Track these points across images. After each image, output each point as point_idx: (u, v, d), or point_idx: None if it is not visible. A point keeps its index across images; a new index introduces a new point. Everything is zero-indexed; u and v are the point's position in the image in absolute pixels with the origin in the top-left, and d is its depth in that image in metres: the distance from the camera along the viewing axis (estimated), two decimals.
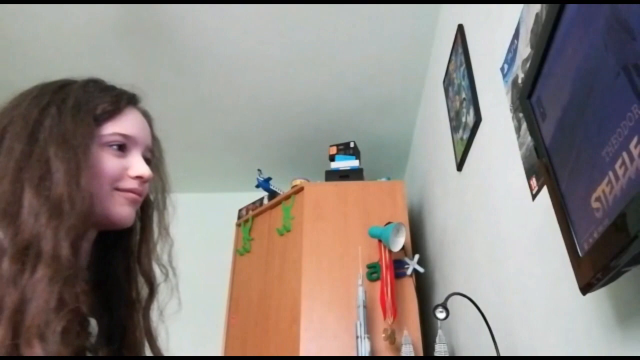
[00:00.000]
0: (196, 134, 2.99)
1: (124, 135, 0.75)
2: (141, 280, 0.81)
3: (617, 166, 0.60)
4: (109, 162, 0.72)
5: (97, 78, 0.83)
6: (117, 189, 0.73)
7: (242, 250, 2.69)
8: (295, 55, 2.41)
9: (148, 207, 0.83)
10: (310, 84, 2.59)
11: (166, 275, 0.83)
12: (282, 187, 2.76)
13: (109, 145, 0.73)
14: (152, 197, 0.84)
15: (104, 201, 0.71)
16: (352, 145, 2.61)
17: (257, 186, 2.80)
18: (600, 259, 0.63)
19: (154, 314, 0.82)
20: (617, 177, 0.60)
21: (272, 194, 2.73)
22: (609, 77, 0.61)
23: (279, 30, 2.26)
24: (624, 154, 0.58)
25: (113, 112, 0.75)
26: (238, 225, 2.85)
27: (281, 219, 2.46)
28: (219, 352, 2.52)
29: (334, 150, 2.62)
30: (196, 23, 2.21)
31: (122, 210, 0.73)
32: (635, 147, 0.55)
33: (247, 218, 2.76)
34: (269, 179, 2.79)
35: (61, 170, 0.65)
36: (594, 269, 0.66)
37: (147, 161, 0.80)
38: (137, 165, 0.75)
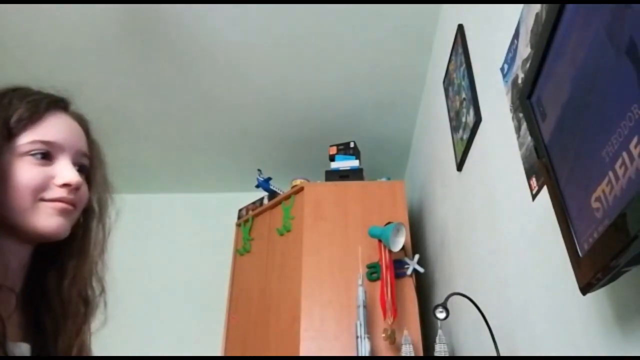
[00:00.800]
0: (196, 134, 2.99)
1: (45, 142, 0.70)
2: (76, 298, 0.75)
3: (617, 166, 0.60)
4: (28, 172, 0.67)
5: (19, 86, 0.75)
6: (43, 200, 0.68)
7: (242, 250, 2.69)
8: (295, 56, 2.41)
9: (88, 216, 0.78)
10: (311, 84, 2.59)
11: (101, 292, 0.78)
12: (282, 187, 2.75)
13: (30, 154, 0.68)
14: (94, 206, 0.78)
15: (27, 214, 0.67)
16: (352, 145, 2.61)
17: (257, 186, 2.80)
18: (600, 259, 0.63)
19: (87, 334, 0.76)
20: (617, 177, 0.60)
21: (272, 194, 2.73)
22: (609, 77, 0.61)
23: (279, 30, 2.26)
24: (624, 154, 0.58)
25: (31, 119, 0.69)
26: (238, 225, 2.85)
27: (281, 219, 2.46)
28: (219, 352, 2.52)
29: (334, 150, 2.62)
30: (196, 23, 2.21)
31: (50, 222, 0.68)
32: (635, 147, 0.55)
33: (247, 218, 2.75)
34: (269, 179, 2.79)
35: None
36: (594, 269, 0.66)
37: (83, 168, 0.75)
38: (63, 173, 0.70)
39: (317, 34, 2.28)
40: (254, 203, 2.85)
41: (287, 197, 2.49)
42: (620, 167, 0.59)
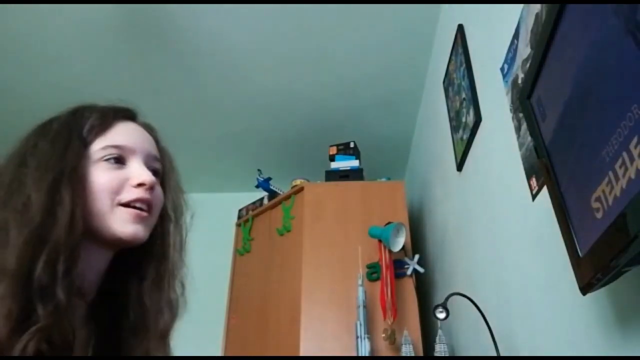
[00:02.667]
0: (196, 134, 2.99)
1: (116, 146, 0.72)
2: (159, 302, 0.75)
3: (617, 166, 0.60)
4: (104, 175, 0.69)
5: (87, 103, 0.78)
6: (122, 204, 0.69)
7: (242, 250, 2.69)
8: (296, 56, 2.41)
9: (165, 221, 0.78)
10: (311, 84, 2.59)
11: (182, 294, 0.79)
12: (282, 187, 2.75)
13: (104, 159, 0.70)
14: (169, 211, 0.79)
15: (106, 218, 0.68)
16: (352, 145, 2.61)
17: (257, 186, 2.80)
18: (600, 259, 0.63)
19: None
20: (617, 177, 0.60)
21: (272, 194, 2.73)
22: (609, 77, 0.61)
23: (279, 30, 2.26)
24: (624, 154, 0.58)
25: (101, 127, 0.72)
26: (238, 225, 2.85)
27: (281, 219, 2.46)
28: (219, 352, 2.52)
29: (334, 150, 2.62)
30: (197, 23, 2.21)
31: (127, 227, 0.69)
32: (636, 147, 0.55)
33: (247, 218, 2.75)
34: (269, 179, 2.79)
35: (40, 197, 0.62)
36: (594, 269, 0.66)
37: (156, 172, 0.76)
38: (137, 173, 0.72)
39: (317, 34, 2.28)
40: (254, 203, 2.85)
41: (287, 197, 2.49)
42: (620, 167, 0.59)
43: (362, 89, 2.61)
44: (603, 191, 0.63)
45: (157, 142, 0.82)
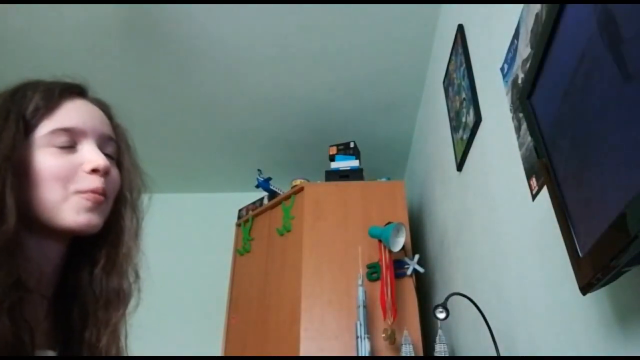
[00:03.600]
0: (196, 134, 2.99)
1: (66, 129, 0.66)
2: (110, 288, 0.71)
3: (617, 166, 0.60)
4: (53, 163, 0.64)
5: (31, 79, 0.72)
6: (76, 192, 0.64)
7: (242, 250, 2.69)
8: (296, 55, 2.41)
9: (120, 204, 0.73)
10: (311, 84, 2.59)
11: (136, 280, 0.74)
12: (282, 187, 2.75)
13: (52, 145, 0.64)
14: (125, 193, 0.74)
15: (58, 208, 0.63)
16: (352, 145, 2.61)
17: (257, 186, 2.80)
18: (600, 259, 0.63)
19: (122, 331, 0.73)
20: (617, 177, 0.60)
21: (272, 194, 2.73)
22: (609, 77, 0.61)
23: (279, 30, 2.26)
24: (624, 154, 0.58)
25: (47, 108, 0.66)
26: (238, 225, 2.85)
27: (281, 219, 2.46)
28: (219, 352, 2.52)
29: (334, 150, 2.62)
30: (197, 23, 2.21)
31: (81, 217, 0.64)
32: (636, 147, 0.55)
33: (247, 218, 2.75)
34: (269, 179, 2.79)
35: None
36: (594, 269, 0.66)
37: (110, 154, 0.71)
38: (89, 157, 0.66)
39: (317, 34, 2.28)
40: (254, 203, 2.85)
41: (287, 197, 2.49)
42: (621, 167, 0.59)
43: (362, 89, 2.61)
44: (603, 191, 0.63)
45: (110, 119, 0.75)
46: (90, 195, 0.65)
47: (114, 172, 0.71)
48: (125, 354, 0.74)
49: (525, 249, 1.20)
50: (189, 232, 3.36)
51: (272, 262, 2.42)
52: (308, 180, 2.56)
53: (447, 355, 1.53)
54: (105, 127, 0.72)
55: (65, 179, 0.64)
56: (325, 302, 2.07)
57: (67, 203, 0.64)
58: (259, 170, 2.83)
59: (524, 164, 1.18)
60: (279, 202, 2.55)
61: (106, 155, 0.70)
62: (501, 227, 1.38)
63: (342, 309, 2.03)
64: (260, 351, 2.23)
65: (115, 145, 0.73)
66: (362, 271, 2.00)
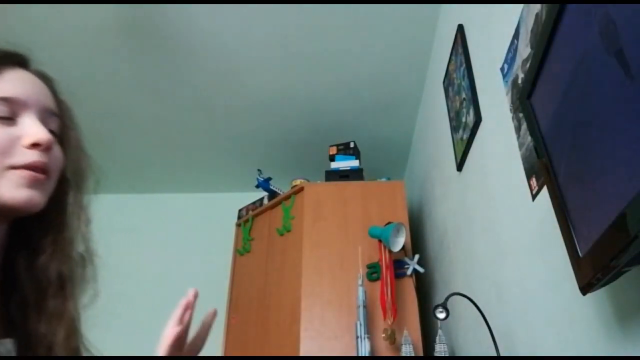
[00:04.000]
0: (196, 134, 2.99)
1: (5, 99, 0.61)
2: (53, 276, 0.65)
3: (617, 166, 0.60)
4: None
5: None
6: (14, 167, 0.60)
7: (242, 250, 2.69)
8: (296, 56, 2.41)
9: (64, 185, 0.68)
10: (311, 84, 2.59)
11: (83, 267, 0.68)
12: (282, 187, 2.75)
13: None
14: (68, 174, 0.69)
15: None
16: (352, 145, 2.61)
17: (257, 186, 2.80)
18: (600, 259, 0.63)
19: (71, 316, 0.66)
20: (617, 177, 0.60)
21: (272, 194, 2.73)
22: (609, 77, 0.61)
23: (279, 30, 2.26)
24: (624, 154, 0.58)
25: None
26: (238, 225, 2.85)
27: (281, 219, 2.46)
28: (219, 352, 2.52)
29: (334, 150, 2.62)
30: (197, 24, 2.21)
31: (19, 193, 0.59)
32: (636, 147, 0.55)
33: (247, 218, 2.75)
34: (269, 179, 2.79)
35: None
36: (594, 269, 0.66)
37: (53, 130, 0.66)
38: (29, 131, 0.61)
39: (317, 34, 2.28)
40: (254, 203, 2.85)
41: (287, 197, 2.49)
42: (621, 167, 0.59)
43: (362, 89, 2.61)
44: (603, 191, 0.63)
45: (54, 94, 0.71)
46: (27, 173, 0.60)
47: (57, 149, 0.66)
48: (89, 353, 0.69)
49: (525, 249, 1.20)
50: (189, 232, 3.36)
51: (272, 262, 2.42)
52: (308, 180, 2.56)
53: (447, 355, 1.53)
54: (48, 101, 0.67)
55: (3, 153, 0.59)
56: (325, 302, 2.07)
57: (3, 178, 0.59)
58: (259, 170, 2.83)
59: (524, 164, 1.18)
60: (279, 202, 2.55)
61: (49, 131, 0.65)
62: (501, 227, 1.38)
63: (342, 309, 2.03)
64: (260, 351, 2.23)
65: (59, 121, 0.68)
66: (362, 271, 2.00)
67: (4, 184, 0.59)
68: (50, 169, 0.63)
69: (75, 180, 0.70)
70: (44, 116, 0.65)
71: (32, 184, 0.60)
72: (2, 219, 0.62)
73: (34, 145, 0.61)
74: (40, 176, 0.61)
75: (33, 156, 0.60)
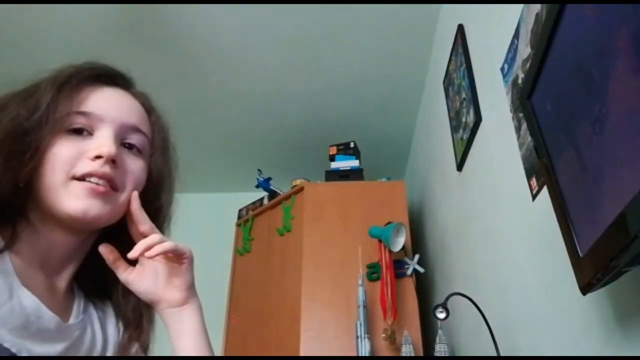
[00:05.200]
0: (196, 134, 2.99)
1: (82, 113, 0.63)
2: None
3: (617, 166, 0.60)
4: (61, 147, 0.61)
5: (77, 63, 0.69)
6: (75, 178, 0.61)
7: (242, 250, 2.69)
8: (296, 55, 2.41)
9: (145, 207, 0.69)
10: (311, 84, 2.59)
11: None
12: (282, 187, 2.75)
13: (66, 128, 0.62)
14: (150, 197, 0.71)
15: (57, 193, 0.61)
16: (352, 145, 2.61)
17: (257, 186, 2.80)
18: (600, 259, 0.63)
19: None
20: (617, 177, 0.60)
21: (272, 194, 2.73)
22: (609, 77, 0.61)
23: (279, 30, 2.26)
24: (625, 154, 0.58)
25: (72, 90, 0.64)
26: (238, 225, 2.85)
27: (281, 219, 2.46)
28: (219, 352, 2.52)
29: (334, 150, 2.62)
30: (197, 24, 2.21)
31: (77, 203, 0.60)
32: (636, 146, 0.55)
33: (247, 218, 2.75)
34: (269, 179, 2.79)
35: None
36: (594, 269, 0.66)
37: (133, 146, 0.68)
38: (97, 143, 0.62)
39: (317, 34, 2.28)
40: (254, 203, 2.85)
41: (287, 197, 2.49)
42: (621, 166, 0.59)
43: (362, 89, 2.61)
44: (603, 191, 0.63)
45: (148, 112, 0.73)
46: (87, 185, 0.61)
47: (132, 164, 0.67)
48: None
49: (526, 249, 1.20)
50: (188, 232, 3.34)
51: (272, 262, 2.42)
52: (308, 180, 2.56)
53: (447, 355, 1.53)
54: (132, 117, 0.68)
55: (68, 164, 0.61)
56: (325, 302, 2.07)
57: (65, 188, 0.61)
58: (259, 170, 2.83)
59: (524, 164, 1.18)
60: (279, 202, 2.55)
61: (128, 144, 0.67)
62: (501, 227, 1.38)
63: (342, 309, 2.03)
64: (261, 351, 2.23)
65: (144, 138, 0.69)
66: (362, 271, 2.00)
67: (65, 195, 0.60)
68: (116, 181, 0.64)
69: (155, 198, 0.71)
70: (123, 131, 0.66)
71: (92, 195, 0.61)
72: (71, 228, 0.64)
73: (97, 158, 0.62)
74: (101, 188, 0.62)
75: (93, 166, 0.62)
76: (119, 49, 2.34)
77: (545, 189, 1.00)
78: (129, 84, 0.74)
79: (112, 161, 0.63)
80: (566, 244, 0.76)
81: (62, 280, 0.67)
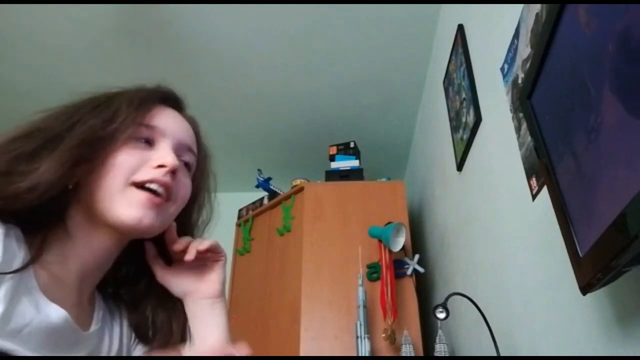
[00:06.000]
0: None
1: (147, 126, 0.67)
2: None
3: (617, 166, 0.60)
4: (126, 154, 0.64)
5: (143, 86, 0.75)
6: (134, 184, 0.63)
7: (242, 250, 2.69)
8: (296, 56, 2.41)
9: (187, 225, 0.74)
10: (311, 84, 2.59)
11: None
12: (282, 187, 2.75)
13: (132, 137, 0.65)
14: (193, 212, 0.75)
15: (114, 198, 0.62)
16: (352, 145, 2.61)
17: (257, 186, 2.80)
18: (600, 259, 0.63)
19: None
20: (617, 177, 0.60)
21: (272, 194, 2.73)
22: (609, 77, 0.61)
23: (279, 30, 2.26)
24: (625, 154, 0.58)
25: (140, 105, 0.68)
26: (238, 225, 2.85)
27: (281, 219, 2.46)
28: None
29: (334, 150, 2.62)
30: (197, 24, 2.21)
31: (130, 211, 0.62)
32: (636, 146, 0.55)
33: (247, 218, 2.75)
34: (269, 179, 2.79)
35: (53, 161, 0.59)
36: (594, 269, 0.66)
37: (186, 165, 0.71)
38: (159, 154, 0.66)
39: (317, 34, 2.28)
40: (254, 203, 2.85)
41: (287, 197, 2.49)
42: (621, 166, 0.59)
43: (362, 88, 2.61)
44: (603, 191, 0.63)
45: (197, 136, 0.77)
46: (145, 194, 0.63)
47: (186, 181, 0.71)
48: None
49: (525, 249, 1.20)
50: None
51: (272, 262, 2.42)
52: (308, 180, 2.56)
53: (447, 355, 1.53)
54: (188, 138, 0.72)
55: (130, 170, 0.63)
56: (325, 302, 2.07)
57: (122, 194, 0.62)
58: (259, 170, 2.83)
59: (524, 164, 1.18)
60: (279, 202, 2.55)
61: (182, 162, 0.70)
62: (501, 227, 1.38)
63: (342, 309, 2.03)
64: (261, 351, 2.23)
65: (194, 158, 0.74)
66: (362, 271, 2.00)
67: (122, 201, 0.62)
68: (173, 193, 0.67)
69: (193, 216, 0.75)
70: (180, 148, 0.70)
71: (147, 205, 0.63)
72: (113, 235, 0.65)
73: (160, 167, 0.65)
74: (157, 199, 0.64)
75: (156, 174, 0.64)
76: (118, 49, 2.35)
77: (545, 189, 1.00)
78: (184, 107, 0.80)
79: (173, 172, 0.66)
80: (566, 244, 0.76)
81: (89, 288, 0.68)
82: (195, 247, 0.68)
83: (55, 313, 0.58)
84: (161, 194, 0.64)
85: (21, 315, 0.53)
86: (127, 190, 0.63)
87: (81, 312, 0.65)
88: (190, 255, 0.67)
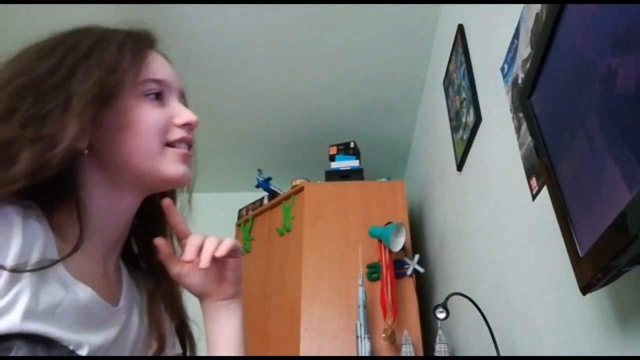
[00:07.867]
0: (196, 134, 2.98)
1: (156, 81, 0.67)
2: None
3: (617, 166, 0.60)
4: (150, 114, 0.64)
5: (101, 26, 0.73)
6: (168, 144, 0.66)
7: (242, 250, 2.69)
8: (296, 56, 2.41)
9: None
10: (311, 84, 2.59)
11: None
12: (282, 187, 2.75)
13: (144, 95, 0.65)
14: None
15: (155, 160, 0.64)
16: (352, 145, 2.61)
17: (257, 186, 2.80)
18: (600, 259, 0.63)
19: None
20: (617, 177, 0.60)
21: (272, 194, 2.73)
22: (609, 77, 0.61)
23: (279, 30, 2.26)
24: (625, 154, 0.58)
25: (138, 55, 0.67)
26: (238, 225, 2.85)
27: (281, 219, 2.46)
28: None
29: (334, 150, 2.62)
30: (197, 24, 2.21)
31: (177, 169, 0.66)
32: (636, 146, 0.55)
33: (247, 218, 2.75)
34: (269, 179, 2.79)
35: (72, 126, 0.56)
36: (594, 269, 0.66)
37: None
38: (181, 112, 0.68)
39: (318, 34, 2.28)
40: (254, 203, 2.85)
41: (287, 197, 2.49)
42: (621, 166, 0.59)
43: (362, 89, 2.61)
44: (603, 191, 0.63)
45: None
46: (182, 151, 0.66)
47: None
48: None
49: (525, 249, 1.20)
50: None
51: (272, 262, 2.42)
52: (308, 180, 2.56)
53: (447, 355, 1.53)
54: (180, 83, 0.73)
55: (161, 132, 0.65)
56: (325, 302, 2.07)
57: (162, 155, 0.64)
58: (259, 170, 2.83)
59: (524, 164, 1.18)
60: (279, 202, 2.55)
61: None
62: (501, 227, 1.38)
63: (342, 309, 2.03)
64: (261, 351, 2.23)
65: (186, 104, 0.75)
66: (362, 271, 2.00)
67: (165, 161, 0.64)
68: (193, 146, 0.71)
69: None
70: (180, 97, 0.72)
71: (186, 161, 0.68)
72: (139, 194, 0.67)
73: (185, 125, 0.68)
74: (190, 153, 0.69)
75: (183, 133, 0.67)
76: None
77: (545, 189, 1.00)
78: (158, 44, 0.78)
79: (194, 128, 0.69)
80: (566, 244, 0.76)
81: (114, 258, 0.68)
82: (209, 252, 0.67)
83: (82, 292, 0.58)
84: (190, 153, 0.69)
85: (51, 295, 0.53)
86: (165, 151, 0.65)
87: (109, 283, 0.66)
88: (205, 263, 0.66)
